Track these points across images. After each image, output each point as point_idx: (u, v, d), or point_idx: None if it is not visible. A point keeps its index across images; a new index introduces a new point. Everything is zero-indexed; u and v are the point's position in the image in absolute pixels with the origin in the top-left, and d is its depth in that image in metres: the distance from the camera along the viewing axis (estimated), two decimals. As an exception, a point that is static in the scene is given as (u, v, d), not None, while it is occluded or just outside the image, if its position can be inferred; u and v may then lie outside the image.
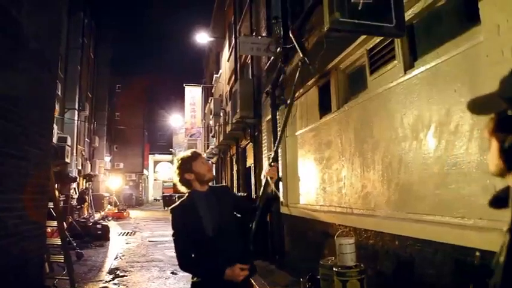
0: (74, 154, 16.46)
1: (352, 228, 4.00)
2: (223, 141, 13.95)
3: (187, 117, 22.75)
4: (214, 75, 18.65)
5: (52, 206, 5.65)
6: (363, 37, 3.97)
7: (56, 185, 7.82)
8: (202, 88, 23.30)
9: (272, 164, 2.56)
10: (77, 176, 16.50)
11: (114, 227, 14.13)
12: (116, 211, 19.89)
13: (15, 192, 3.81)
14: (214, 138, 16.22)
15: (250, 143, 9.98)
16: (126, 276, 6.75)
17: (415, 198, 3.22)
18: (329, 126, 5.07)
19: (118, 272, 6.97)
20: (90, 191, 17.02)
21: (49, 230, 6.34)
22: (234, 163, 13.24)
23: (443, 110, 2.89)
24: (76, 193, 15.75)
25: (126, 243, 10.73)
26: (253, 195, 9.25)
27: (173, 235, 2.26)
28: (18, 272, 3.80)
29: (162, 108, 39.30)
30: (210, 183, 2.45)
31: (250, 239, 2.32)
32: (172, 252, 9.03)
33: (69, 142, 13.72)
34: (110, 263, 7.82)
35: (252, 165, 9.79)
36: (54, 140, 11.46)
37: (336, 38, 3.95)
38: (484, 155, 2.47)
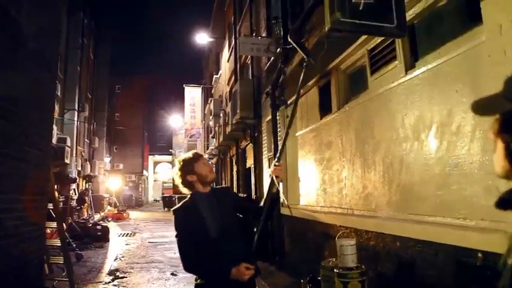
0: (74, 155, 16.44)
1: (353, 229, 3.98)
2: (223, 142, 13.93)
3: (187, 118, 22.74)
4: (214, 76, 18.64)
5: (52, 207, 5.63)
6: (363, 37, 3.96)
7: (56, 185, 7.80)
8: (202, 89, 23.31)
9: (277, 163, 2.54)
10: (76, 176, 16.48)
11: (113, 228, 14.10)
12: (116, 212, 19.87)
13: (14, 193, 3.80)
14: (214, 139, 16.21)
15: (250, 144, 9.96)
16: (126, 277, 6.73)
17: (416, 199, 3.20)
18: (329, 127, 5.05)
19: (118, 273, 6.95)
20: (90, 191, 16.99)
21: (48, 231, 6.32)
22: (234, 164, 13.23)
23: (444, 111, 2.87)
24: (76, 194, 15.73)
25: (126, 244, 10.71)
26: (253, 196, 9.24)
27: (176, 236, 2.25)
28: (18, 274, 3.78)
29: (161, 108, 39.31)
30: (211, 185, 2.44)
31: (255, 242, 2.31)
32: (172, 254, 9.08)
33: (68, 143, 13.71)
34: (109, 264, 7.80)
35: (252, 166, 9.77)
36: (54, 140, 11.44)
37: (337, 38, 3.94)
38: (486, 156, 2.46)
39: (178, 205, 2.35)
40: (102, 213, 18.71)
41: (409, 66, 3.36)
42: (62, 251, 5.63)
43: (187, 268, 2.27)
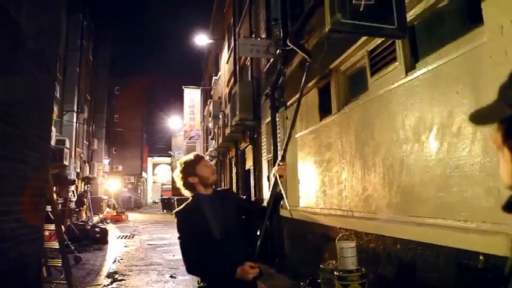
0: (73, 157, 16.40)
1: (353, 231, 3.96)
2: (223, 143, 13.92)
3: (186, 120, 22.73)
4: (213, 78, 18.64)
5: (50, 209, 5.61)
6: (363, 38, 3.95)
7: (54, 187, 7.77)
8: (201, 90, 23.30)
9: (281, 162, 2.51)
10: (75, 178, 16.43)
11: (112, 230, 14.06)
12: (115, 214, 19.85)
13: (13, 195, 3.77)
14: (214, 141, 16.19)
15: (250, 146, 9.95)
16: (125, 280, 6.70)
17: (416, 201, 3.19)
18: (329, 129, 5.04)
19: (116, 276, 6.92)
20: (89, 193, 16.95)
21: (47, 233, 6.29)
22: (233, 166, 13.21)
23: (445, 112, 2.86)
24: (74, 196, 15.68)
25: (125, 247, 10.68)
26: (253, 198, 9.22)
27: (179, 238, 2.24)
28: (16, 276, 3.75)
29: (161, 110, 39.30)
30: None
31: (258, 244, 2.29)
32: (171, 256, 9.04)
33: (67, 144, 13.68)
34: (108, 266, 7.77)
35: (252, 167, 9.76)
36: (53, 142, 11.42)
37: (337, 39, 3.93)
38: (487, 157, 2.44)
39: (180, 207, 2.34)
40: (101, 215, 18.67)
41: (410, 67, 3.35)
42: (60, 254, 5.60)
43: (190, 270, 2.25)
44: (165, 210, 26.66)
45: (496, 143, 0.82)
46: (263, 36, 7.99)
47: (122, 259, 8.72)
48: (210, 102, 16.96)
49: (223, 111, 13.52)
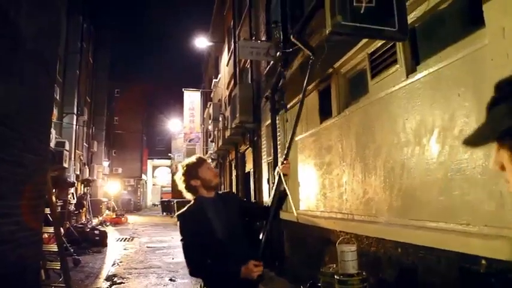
0: (72, 159, 16.38)
1: (353, 234, 3.94)
2: (222, 146, 13.90)
3: (186, 122, 22.74)
4: (213, 80, 18.65)
5: (49, 212, 5.58)
6: (364, 41, 3.94)
7: (54, 190, 7.74)
8: (201, 93, 23.31)
9: (285, 161, 2.48)
10: (75, 181, 16.42)
11: (112, 233, 14.03)
12: (114, 216, 19.78)
13: (11, 198, 3.75)
14: (213, 143, 16.18)
15: (250, 148, 9.93)
16: (124, 283, 6.67)
17: (418, 205, 3.17)
18: (329, 131, 5.02)
19: (115, 279, 6.89)
20: (88, 196, 16.92)
21: (46, 236, 6.27)
22: (233, 168, 13.19)
23: (446, 115, 2.84)
24: (74, 198, 15.66)
25: (124, 249, 10.65)
26: (253, 201, 9.20)
27: (182, 240, 2.22)
28: (15, 279, 3.72)
29: (161, 113, 39.32)
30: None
31: (262, 243, 2.27)
32: (170, 259, 9.00)
33: (67, 147, 13.68)
34: (107, 269, 7.74)
35: (252, 170, 9.73)
36: (52, 144, 11.41)
37: (337, 41, 3.92)
38: (489, 161, 2.42)
39: (182, 210, 2.32)
40: (101, 218, 18.61)
41: (410, 70, 3.33)
42: (59, 256, 5.57)
43: (193, 272, 2.23)
44: (164, 213, 26.63)
45: (501, 159, 0.77)
46: (263, 38, 8.00)
47: (121, 262, 8.68)
48: (210, 104, 16.96)
49: (223, 114, 13.52)
